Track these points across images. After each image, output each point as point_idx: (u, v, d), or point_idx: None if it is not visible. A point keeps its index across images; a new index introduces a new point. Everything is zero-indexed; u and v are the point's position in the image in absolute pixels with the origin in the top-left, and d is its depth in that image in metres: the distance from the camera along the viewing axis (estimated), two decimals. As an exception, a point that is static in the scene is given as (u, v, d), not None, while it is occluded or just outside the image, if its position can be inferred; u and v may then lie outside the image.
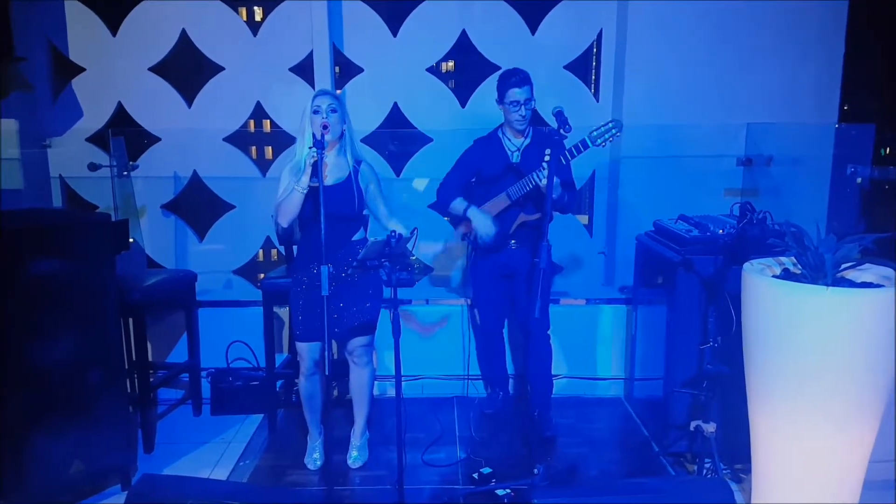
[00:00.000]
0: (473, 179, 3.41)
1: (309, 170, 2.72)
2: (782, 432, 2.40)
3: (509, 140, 3.31)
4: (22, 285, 2.53)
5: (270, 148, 4.57)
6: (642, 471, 3.09)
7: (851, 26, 3.82)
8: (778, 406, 2.39)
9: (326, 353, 2.32)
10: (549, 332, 3.42)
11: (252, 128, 4.54)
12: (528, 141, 3.29)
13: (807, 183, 3.67)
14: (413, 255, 2.60)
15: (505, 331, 3.72)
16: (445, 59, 4.34)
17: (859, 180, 3.35)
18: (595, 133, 3.02)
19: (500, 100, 3.23)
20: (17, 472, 2.59)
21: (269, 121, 4.34)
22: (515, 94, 3.15)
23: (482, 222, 3.26)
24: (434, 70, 4.26)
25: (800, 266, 2.40)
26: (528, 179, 3.14)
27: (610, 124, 3.02)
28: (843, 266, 2.33)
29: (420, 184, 4.25)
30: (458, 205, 3.33)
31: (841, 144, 3.46)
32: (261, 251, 4.55)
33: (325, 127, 2.77)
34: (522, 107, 3.17)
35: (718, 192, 4.04)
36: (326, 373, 2.36)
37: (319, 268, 2.49)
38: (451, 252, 4.33)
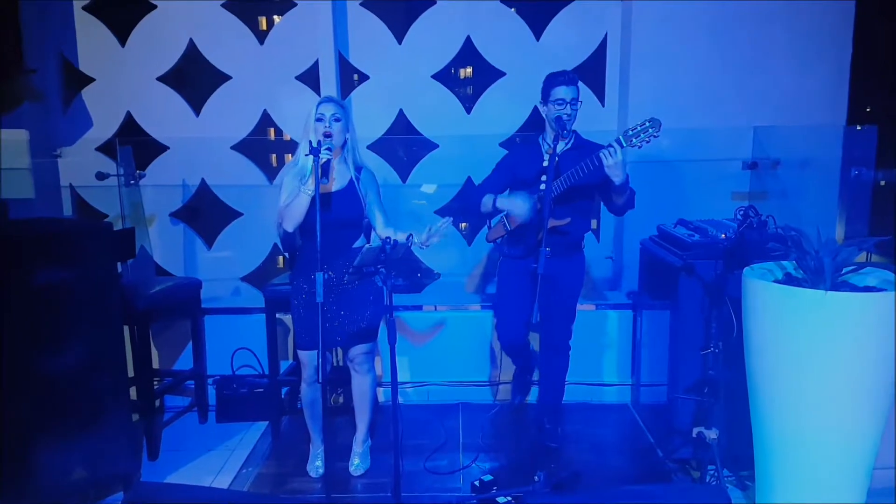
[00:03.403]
0: (508, 189, 3.25)
1: (313, 177, 2.64)
2: (784, 438, 2.36)
3: (549, 144, 3.14)
4: (26, 293, 2.55)
5: (288, 156, 4.59)
6: (646, 478, 3.05)
7: (859, 26, 3.76)
8: (779, 411, 2.36)
9: (319, 360, 2.32)
10: (570, 343, 3.33)
11: (273, 136, 4.57)
12: (568, 146, 3.12)
13: (815, 185, 3.61)
14: (423, 262, 2.59)
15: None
16: (455, 64, 4.34)
17: (882, 182, 3.30)
18: (630, 133, 2.83)
19: (545, 100, 3.09)
20: (20, 478, 2.61)
21: (275, 129, 4.38)
22: (562, 91, 3.00)
23: (513, 204, 3.07)
24: (452, 76, 4.26)
25: (801, 270, 2.37)
26: (561, 182, 2.94)
27: (647, 123, 2.80)
28: (845, 270, 2.29)
29: (428, 189, 4.24)
30: (486, 202, 3.20)
31: (850, 146, 3.40)
32: (280, 258, 4.58)
33: (327, 136, 2.77)
34: (568, 105, 3.00)
35: (726, 196, 3.99)
36: (319, 381, 2.37)
37: (314, 275, 2.49)
38: (461, 258, 4.33)
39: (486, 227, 3.32)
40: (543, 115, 3.16)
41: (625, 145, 2.82)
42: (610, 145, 2.82)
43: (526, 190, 3.16)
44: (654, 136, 2.81)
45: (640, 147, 2.84)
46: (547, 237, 2.99)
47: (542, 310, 2.95)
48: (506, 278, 3.36)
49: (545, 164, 3.11)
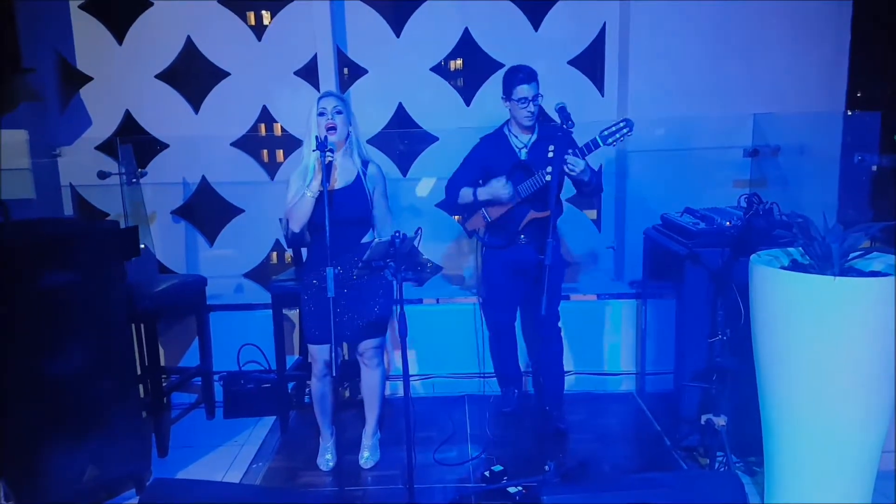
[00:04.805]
0: (480, 181, 3.34)
1: (319, 174, 2.68)
2: (793, 424, 2.39)
3: (516, 137, 3.29)
4: (33, 295, 2.55)
5: (279, 151, 4.59)
6: (654, 466, 3.08)
7: (857, 12, 3.77)
8: (788, 397, 2.38)
9: (333, 354, 2.33)
10: (559, 325, 3.42)
11: (263, 132, 4.57)
12: (535, 137, 3.27)
13: (816, 172, 3.64)
14: (423, 255, 2.60)
15: (518, 327, 3.70)
16: (453, 57, 4.34)
17: (874, 168, 3.32)
18: (606, 132, 3.01)
19: (507, 97, 3.21)
20: (32, 480, 2.62)
21: (276, 124, 4.37)
22: (524, 90, 3.13)
23: (496, 189, 3.20)
24: (442, 68, 4.26)
25: (807, 256, 2.39)
26: (539, 177, 3.12)
27: (621, 124, 3.00)
28: (851, 255, 2.31)
29: (427, 184, 4.24)
30: (466, 192, 3.31)
31: (849, 132, 3.43)
32: (274, 254, 4.58)
33: (330, 128, 2.78)
34: (531, 103, 3.15)
35: (727, 184, 4.01)
36: (334, 374, 2.38)
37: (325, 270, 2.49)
38: (460, 251, 4.34)
39: (465, 216, 3.45)
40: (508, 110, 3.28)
41: (601, 144, 3.00)
42: (573, 152, 2.99)
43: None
44: (627, 135, 3.01)
45: (614, 145, 3.04)
46: (527, 228, 3.27)
47: (532, 296, 3.19)
48: (491, 268, 3.46)
49: (521, 157, 3.26)
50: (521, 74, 3.14)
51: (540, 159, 3.17)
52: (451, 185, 3.40)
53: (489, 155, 3.33)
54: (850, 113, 3.77)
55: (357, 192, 2.89)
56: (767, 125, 3.91)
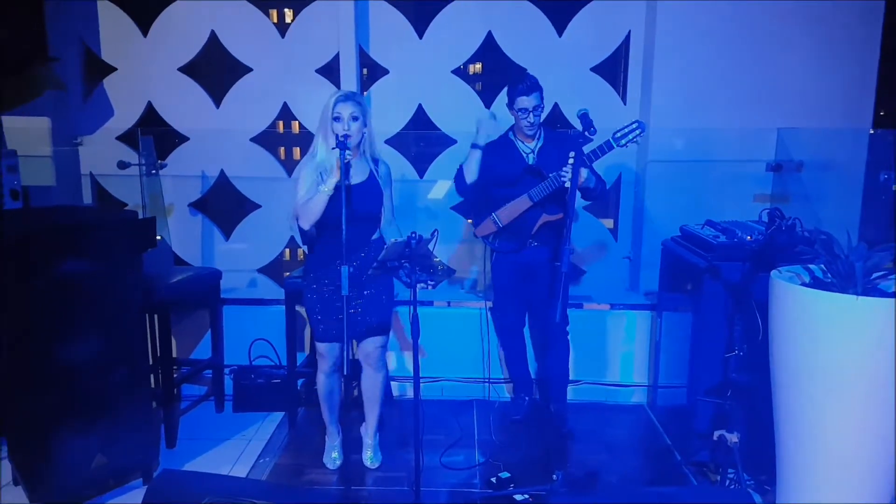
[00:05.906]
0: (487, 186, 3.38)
1: (338, 172, 2.62)
2: (807, 444, 2.35)
3: (521, 143, 3.34)
4: (50, 283, 2.56)
5: (296, 149, 4.59)
6: (664, 479, 3.05)
7: (888, 27, 3.72)
8: (804, 417, 2.34)
9: (346, 352, 2.32)
10: (567, 329, 3.43)
11: (281, 129, 4.57)
12: (541, 143, 3.32)
13: (839, 189, 3.59)
14: (436, 257, 2.58)
15: (526, 332, 3.69)
16: (472, 60, 4.33)
17: (895, 187, 3.27)
18: (619, 134, 3.04)
19: (511, 105, 3.28)
20: (41, 465, 2.63)
21: (295, 122, 4.37)
22: (523, 101, 3.19)
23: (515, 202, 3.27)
24: (461, 72, 4.25)
25: (829, 274, 2.35)
26: (552, 181, 3.14)
27: (634, 125, 3.03)
28: (875, 275, 2.27)
29: (443, 186, 4.23)
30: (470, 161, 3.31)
31: (875, 150, 3.38)
32: (287, 250, 4.59)
33: (346, 137, 2.72)
34: (531, 114, 3.20)
35: (747, 198, 3.97)
36: (346, 372, 2.37)
37: (340, 268, 2.46)
38: (474, 254, 4.32)
39: (476, 222, 3.47)
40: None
41: (615, 146, 3.04)
42: (564, 169, 3.02)
43: (508, 188, 3.30)
44: (639, 136, 3.05)
45: (626, 146, 3.07)
46: (539, 232, 3.31)
47: (542, 300, 3.29)
48: (501, 273, 3.50)
49: (529, 162, 3.30)
50: (523, 86, 3.19)
51: (549, 163, 3.20)
52: (459, 175, 3.38)
53: (497, 160, 3.34)
54: (872, 132, 3.72)
55: (372, 188, 2.87)
56: (791, 140, 3.86)
